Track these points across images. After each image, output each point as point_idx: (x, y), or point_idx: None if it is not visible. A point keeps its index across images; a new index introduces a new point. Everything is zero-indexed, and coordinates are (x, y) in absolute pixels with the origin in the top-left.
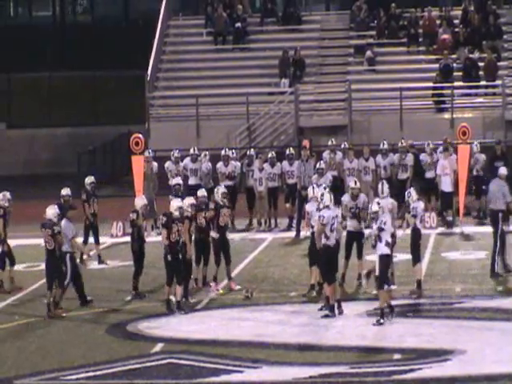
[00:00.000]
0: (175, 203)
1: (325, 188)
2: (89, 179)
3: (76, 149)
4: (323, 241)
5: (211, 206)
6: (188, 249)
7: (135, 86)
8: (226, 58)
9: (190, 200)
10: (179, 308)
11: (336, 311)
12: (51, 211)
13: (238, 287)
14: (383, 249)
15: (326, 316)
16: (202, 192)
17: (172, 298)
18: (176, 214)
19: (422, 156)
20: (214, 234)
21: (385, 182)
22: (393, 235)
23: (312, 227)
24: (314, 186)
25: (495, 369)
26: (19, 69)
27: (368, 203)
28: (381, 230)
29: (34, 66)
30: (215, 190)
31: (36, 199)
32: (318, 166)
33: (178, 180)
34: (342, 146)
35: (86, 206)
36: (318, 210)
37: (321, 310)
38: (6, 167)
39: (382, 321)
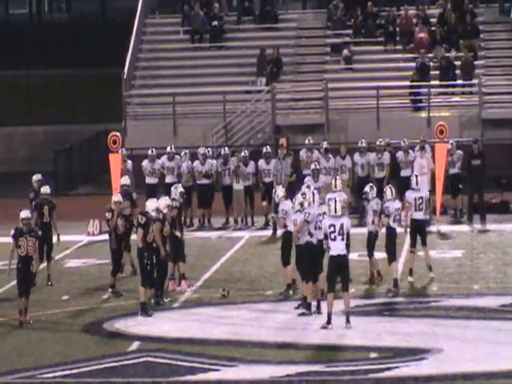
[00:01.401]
0: (152, 204)
1: (308, 187)
2: (36, 177)
3: (53, 147)
4: (307, 238)
5: (176, 204)
6: (162, 250)
7: (112, 84)
8: (202, 57)
9: (166, 201)
10: (144, 310)
11: (313, 310)
12: (24, 214)
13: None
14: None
15: (303, 314)
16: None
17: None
18: (153, 214)
19: (398, 154)
20: (178, 233)
21: (338, 177)
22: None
23: (286, 227)
24: (308, 186)
25: (472, 367)
26: None
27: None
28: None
29: (11, 64)
30: (172, 188)
31: (13, 197)
32: (313, 166)
33: (126, 180)
34: (323, 146)
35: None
36: (296, 209)
37: (297, 308)
38: None
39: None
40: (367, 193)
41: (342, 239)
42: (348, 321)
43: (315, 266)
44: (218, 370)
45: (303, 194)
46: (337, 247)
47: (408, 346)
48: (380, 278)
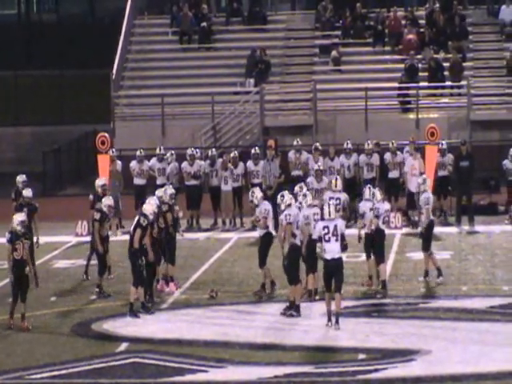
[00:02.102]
0: (150, 208)
1: (284, 189)
2: (20, 177)
3: (41, 147)
4: (290, 240)
5: (165, 208)
6: (150, 253)
7: (101, 84)
8: (191, 58)
9: (155, 202)
10: (145, 308)
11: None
12: (18, 218)
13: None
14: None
15: (291, 315)
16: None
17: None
18: (150, 217)
19: (386, 156)
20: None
21: (338, 176)
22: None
23: (267, 227)
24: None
25: (460, 369)
26: None
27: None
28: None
29: None
30: (163, 190)
31: (0, 198)
32: (316, 167)
33: (103, 181)
34: (313, 147)
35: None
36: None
37: (283, 314)
38: None
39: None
40: (369, 198)
41: (336, 240)
42: (337, 322)
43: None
44: (206, 371)
45: (282, 196)
46: (331, 249)
47: (396, 348)
48: (371, 282)
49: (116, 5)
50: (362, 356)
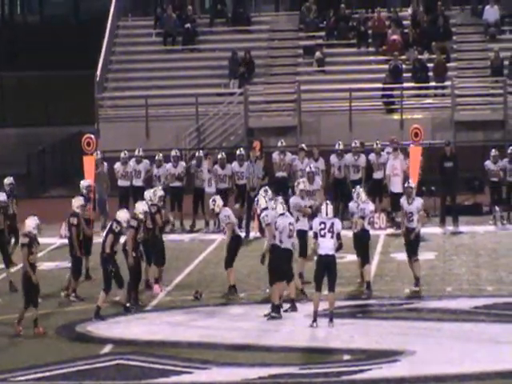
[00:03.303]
0: (124, 215)
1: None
2: (8, 180)
3: (26, 149)
4: (271, 241)
5: (153, 209)
6: (130, 257)
7: (85, 86)
8: (175, 59)
9: (143, 206)
10: (127, 311)
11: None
12: (30, 222)
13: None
14: None
15: (273, 318)
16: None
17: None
18: (141, 217)
19: (371, 156)
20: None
21: (361, 189)
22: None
23: (233, 232)
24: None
25: (445, 369)
26: None
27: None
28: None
29: None
30: (152, 191)
31: None
32: (308, 169)
33: (88, 182)
34: (299, 147)
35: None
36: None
37: (286, 311)
38: None
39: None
40: (355, 200)
41: (332, 237)
42: (331, 320)
43: (281, 267)
44: (190, 373)
45: (257, 200)
46: (326, 245)
47: (381, 348)
48: (362, 281)
49: (100, 6)
50: (346, 357)
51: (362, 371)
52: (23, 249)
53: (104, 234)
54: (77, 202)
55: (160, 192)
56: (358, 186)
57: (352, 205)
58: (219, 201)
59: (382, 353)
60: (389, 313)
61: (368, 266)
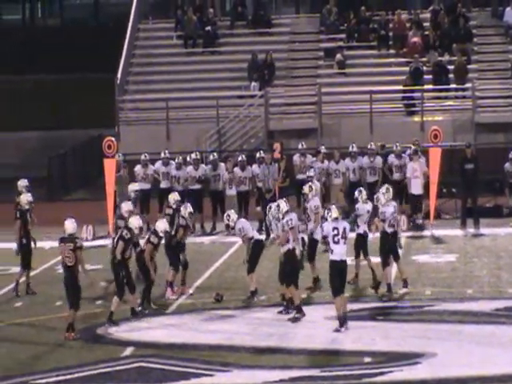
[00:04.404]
0: (164, 225)
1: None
2: (22, 182)
3: (46, 152)
4: (292, 244)
5: (181, 221)
6: (151, 274)
7: (105, 89)
8: (196, 62)
9: (164, 225)
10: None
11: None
12: (72, 225)
13: (190, 291)
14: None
15: (296, 319)
16: (176, 195)
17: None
18: (160, 235)
19: (390, 158)
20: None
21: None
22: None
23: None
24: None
25: (465, 372)
26: None
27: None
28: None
29: (3, 69)
30: (183, 207)
31: (5, 203)
32: (307, 173)
33: (136, 186)
34: (322, 150)
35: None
36: (277, 219)
37: (281, 312)
38: None
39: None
40: (356, 197)
41: (345, 243)
42: (346, 322)
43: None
44: (211, 375)
45: (278, 206)
46: (340, 252)
47: (402, 351)
48: (356, 280)
49: (120, 9)
50: (367, 359)
51: (382, 373)
52: (78, 251)
53: (115, 239)
54: (126, 207)
55: (190, 208)
56: (359, 189)
57: (360, 206)
58: (233, 215)
59: (403, 355)
60: (410, 315)
61: (389, 269)
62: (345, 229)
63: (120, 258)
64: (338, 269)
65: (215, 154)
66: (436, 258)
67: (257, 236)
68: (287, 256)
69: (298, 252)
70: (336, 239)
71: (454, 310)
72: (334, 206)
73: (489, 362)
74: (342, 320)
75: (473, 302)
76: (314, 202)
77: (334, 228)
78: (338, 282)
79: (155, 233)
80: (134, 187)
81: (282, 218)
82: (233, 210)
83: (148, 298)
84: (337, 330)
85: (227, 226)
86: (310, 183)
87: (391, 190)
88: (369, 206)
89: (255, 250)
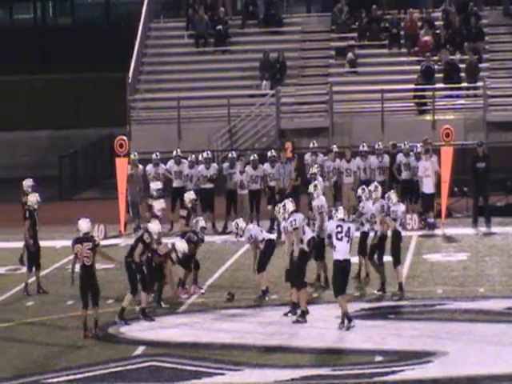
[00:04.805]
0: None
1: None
2: (28, 181)
3: (57, 151)
4: (300, 246)
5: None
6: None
7: (116, 88)
8: (207, 61)
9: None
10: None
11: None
12: (87, 224)
13: (202, 291)
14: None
15: (297, 322)
16: (191, 195)
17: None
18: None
19: (399, 157)
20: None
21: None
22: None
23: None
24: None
25: (477, 370)
26: (0, 72)
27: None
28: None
29: (14, 68)
30: (195, 221)
31: (17, 203)
32: (310, 171)
33: (158, 185)
34: (334, 149)
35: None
36: (283, 219)
37: (286, 315)
38: None
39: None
40: (360, 195)
41: (348, 241)
42: (342, 322)
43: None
44: (223, 374)
45: (284, 206)
46: (343, 250)
47: (413, 349)
48: (368, 279)
49: (131, 8)
50: (378, 358)
51: (394, 372)
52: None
53: (134, 240)
54: (159, 205)
55: (202, 223)
56: (362, 187)
57: (365, 205)
58: (241, 223)
59: (415, 354)
60: (421, 314)
61: (400, 268)
62: (349, 228)
63: (138, 260)
64: (342, 268)
65: (234, 152)
66: (447, 257)
67: (267, 236)
68: (298, 256)
69: (296, 254)
70: (339, 236)
71: (465, 308)
72: (341, 208)
73: (500, 361)
74: (349, 316)
75: (484, 301)
76: (319, 201)
77: (338, 226)
78: (341, 282)
79: (148, 232)
80: (156, 186)
81: (287, 219)
82: (241, 218)
83: (159, 297)
84: (348, 328)
85: (236, 234)
86: (314, 182)
87: (379, 188)
88: (403, 207)
89: (267, 249)
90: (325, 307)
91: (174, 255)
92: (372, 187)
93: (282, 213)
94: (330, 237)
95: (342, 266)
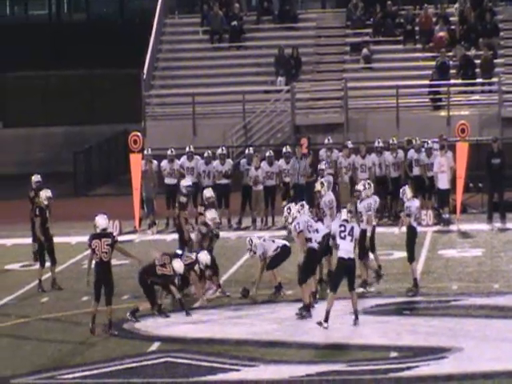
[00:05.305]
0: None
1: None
2: (35, 177)
3: (72, 148)
4: (309, 245)
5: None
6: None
7: (131, 84)
8: (222, 57)
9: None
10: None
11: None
12: (104, 220)
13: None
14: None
15: (302, 317)
16: (209, 192)
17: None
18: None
19: (410, 153)
20: None
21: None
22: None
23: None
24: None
25: (492, 366)
26: (15, 68)
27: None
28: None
29: (29, 64)
30: (210, 218)
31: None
32: (319, 166)
33: (189, 181)
34: (349, 145)
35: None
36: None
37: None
38: (1, 167)
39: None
40: (360, 191)
41: (351, 240)
42: (357, 318)
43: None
44: (238, 370)
45: (289, 209)
46: (346, 248)
47: (428, 345)
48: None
49: (146, 4)
50: (393, 354)
51: (409, 368)
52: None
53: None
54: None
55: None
56: (363, 182)
57: (370, 200)
58: (255, 240)
59: (430, 350)
60: (436, 310)
61: (414, 264)
62: (352, 228)
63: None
64: (345, 266)
65: (251, 148)
66: (462, 253)
67: (281, 243)
68: (306, 254)
69: (300, 259)
70: (342, 235)
71: (480, 304)
72: (344, 210)
73: None
74: (328, 316)
75: (499, 297)
76: (328, 196)
77: (341, 225)
78: (340, 280)
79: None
80: (185, 183)
81: (291, 223)
82: (256, 235)
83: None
84: (319, 324)
85: (249, 249)
86: (320, 180)
87: (372, 185)
88: (417, 203)
89: (281, 254)
90: (339, 303)
91: (196, 267)
92: (366, 184)
93: (286, 217)
94: (333, 238)
95: (346, 264)
